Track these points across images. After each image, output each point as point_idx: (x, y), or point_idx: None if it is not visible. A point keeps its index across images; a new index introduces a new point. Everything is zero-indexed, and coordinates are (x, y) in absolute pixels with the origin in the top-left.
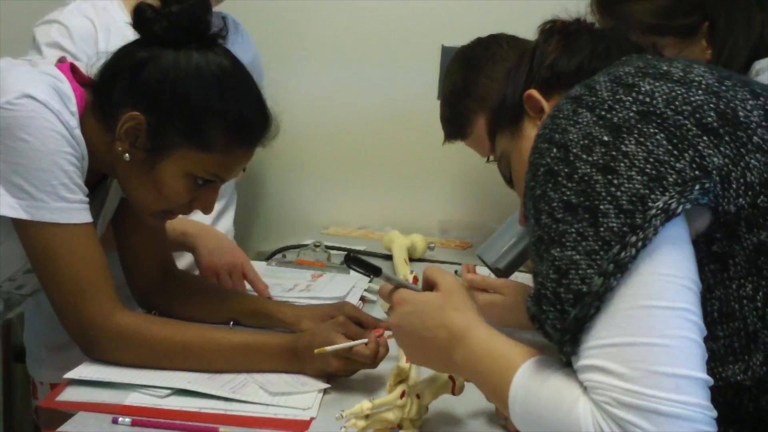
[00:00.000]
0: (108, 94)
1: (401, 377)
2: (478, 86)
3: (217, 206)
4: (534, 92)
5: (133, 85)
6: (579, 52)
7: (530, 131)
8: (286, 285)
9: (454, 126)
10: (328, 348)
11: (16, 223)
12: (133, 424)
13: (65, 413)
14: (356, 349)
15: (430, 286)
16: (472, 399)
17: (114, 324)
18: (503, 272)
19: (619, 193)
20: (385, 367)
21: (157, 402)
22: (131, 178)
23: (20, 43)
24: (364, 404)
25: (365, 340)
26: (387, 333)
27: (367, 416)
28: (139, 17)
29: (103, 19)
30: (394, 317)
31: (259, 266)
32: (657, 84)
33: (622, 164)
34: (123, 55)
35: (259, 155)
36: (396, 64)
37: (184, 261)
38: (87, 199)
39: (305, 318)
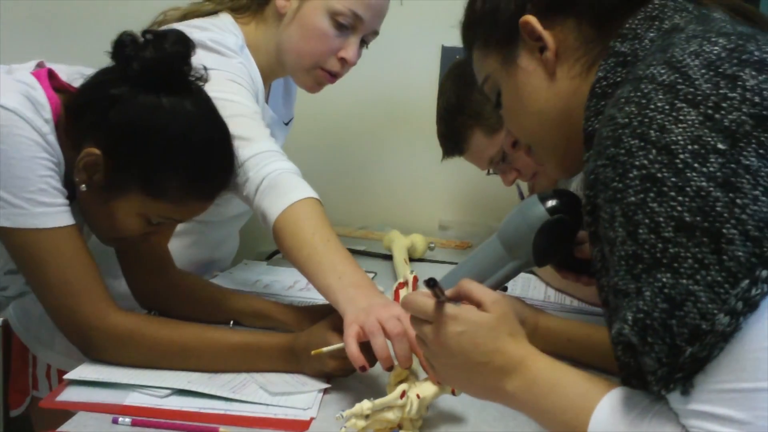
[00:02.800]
0: (77, 120)
1: (401, 377)
2: (472, 102)
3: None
4: (531, 19)
5: (99, 122)
6: None
7: (527, 63)
8: (285, 283)
9: (451, 143)
10: (325, 349)
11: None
12: (133, 424)
13: (60, 413)
14: None
15: (473, 303)
16: (472, 399)
17: (110, 324)
18: None
19: (744, 216)
20: None
21: (157, 402)
22: (89, 205)
23: (20, 44)
24: (364, 404)
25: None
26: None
27: (367, 416)
28: (119, 51)
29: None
30: (440, 335)
31: (259, 266)
32: (761, 78)
33: (744, 180)
34: (99, 83)
35: None
36: (396, 64)
37: (184, 261)
38: (67, 202)
39: (305, 318)
